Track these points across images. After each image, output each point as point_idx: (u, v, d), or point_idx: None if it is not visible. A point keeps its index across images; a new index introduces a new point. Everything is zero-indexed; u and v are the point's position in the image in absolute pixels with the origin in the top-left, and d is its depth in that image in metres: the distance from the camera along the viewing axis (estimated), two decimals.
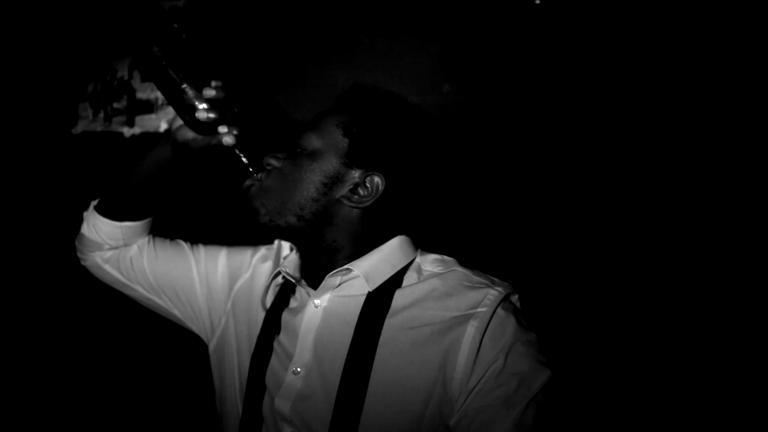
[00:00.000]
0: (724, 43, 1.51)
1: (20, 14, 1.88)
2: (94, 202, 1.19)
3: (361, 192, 0.96)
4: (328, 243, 0.98)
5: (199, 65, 0.99)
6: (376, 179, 0.95)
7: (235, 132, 0.98)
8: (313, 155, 0.97)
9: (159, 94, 1.83)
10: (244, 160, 1.01)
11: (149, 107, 1.84)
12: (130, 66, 1.86)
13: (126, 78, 1.85)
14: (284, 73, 1.76)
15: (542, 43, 1.61)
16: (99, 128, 1.88)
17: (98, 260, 1.18)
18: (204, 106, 0.96)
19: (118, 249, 1.18)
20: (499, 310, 0.89)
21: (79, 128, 1.90)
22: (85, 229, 1.18)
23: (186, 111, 0.98)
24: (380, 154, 0.96)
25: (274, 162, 1.00)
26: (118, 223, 1.14)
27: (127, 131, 1.86)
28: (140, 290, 1.18)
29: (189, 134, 1.00)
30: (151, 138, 1.85)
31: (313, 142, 0.98)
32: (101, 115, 1.87)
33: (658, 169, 1.56)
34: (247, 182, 1.01)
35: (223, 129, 0.98)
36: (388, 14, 1.70)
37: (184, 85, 0.97)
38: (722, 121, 1.52)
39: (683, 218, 1.56)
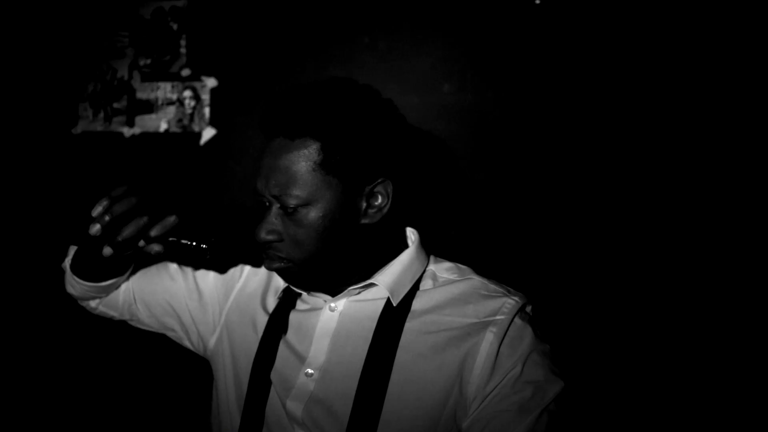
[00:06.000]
0: (725, 41, 1.52)
1: (20, 14, 1.86)
2: (68, 260, 1.12)
3: (377, 203, 0.94)
4: (352, 264, 0.97)
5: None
6: (382, 188, 0.93)
7: (153, 233, 0.87)
8: (309, 206, 0.89)
9: (159, 94, 1.83)
10: (192, 243, 0.90)
11: (149, 107, 1.83)
12: (130, 66, 1.84)
13: (126, 78, 1.84)
14: (284, 73, 1.75)
15: (542, 43, 1.62)
16: (99, 128, 1.87)
17: (92, 304, 1.18)
18: (99, 242, 0.86)
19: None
20: (517, 319, 0.91)
21: (79, 128, 1.88)
22: (69, 289, 1.15)
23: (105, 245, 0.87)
24: (375, 167, 0.92)
25: (272, 238, 0.92)
26: (99, 284, 1.09)
27: (127, 131, 1.85)
28: (138, 316, 1.18)
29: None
30: (151, 138, 1.84)
31: (300, 195, 0.88)
32: (101, 115, 1.86)
33: (663, 170, 1.57)
34: (276, 265, 0.94)
35: (142, 243, 0.88)
36: (388, 14, 1.70)
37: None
38: (727, 118, 1.54)
39: (700, 228, 1.55)
